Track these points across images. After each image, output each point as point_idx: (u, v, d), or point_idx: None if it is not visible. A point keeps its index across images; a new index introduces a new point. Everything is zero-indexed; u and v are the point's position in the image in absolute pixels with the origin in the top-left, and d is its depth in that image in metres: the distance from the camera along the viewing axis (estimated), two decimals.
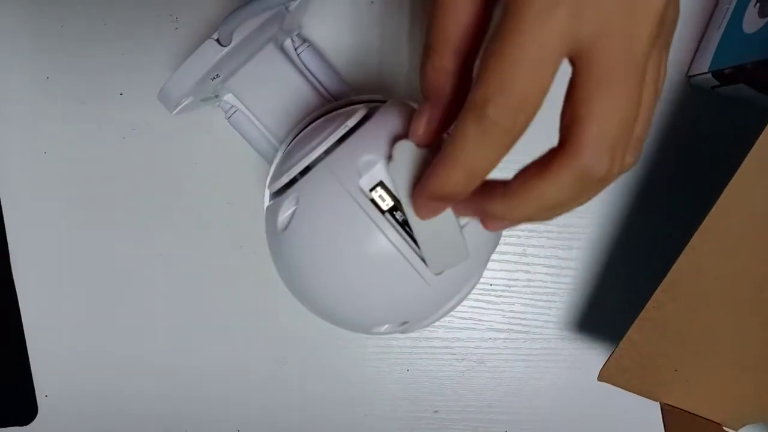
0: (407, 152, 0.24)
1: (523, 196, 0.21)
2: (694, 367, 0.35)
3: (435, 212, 0.23)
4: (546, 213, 0.21)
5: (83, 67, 0.39)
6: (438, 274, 0.25)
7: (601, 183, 0.20)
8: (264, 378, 0.42)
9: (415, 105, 0.28)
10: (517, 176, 0.21)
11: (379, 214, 0.24)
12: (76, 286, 0.41)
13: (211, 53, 0.30)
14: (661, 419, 0.35)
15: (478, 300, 0.41)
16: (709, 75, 0.36)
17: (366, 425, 0.43)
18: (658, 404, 0.36)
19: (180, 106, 0.33)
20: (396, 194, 0.24)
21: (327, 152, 0.26)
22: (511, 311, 0.41)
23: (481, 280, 0.40)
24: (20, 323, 0.41)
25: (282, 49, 0.36)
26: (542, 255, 0.40)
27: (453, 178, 0.21)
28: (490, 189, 0.22)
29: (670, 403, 0.36)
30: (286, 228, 0.26)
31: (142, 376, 0.42)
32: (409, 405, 0.42)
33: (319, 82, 0.36)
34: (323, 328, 0.41)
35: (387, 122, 0.25)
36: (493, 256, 0.40)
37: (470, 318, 0.41)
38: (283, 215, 0.26)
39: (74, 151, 0.40)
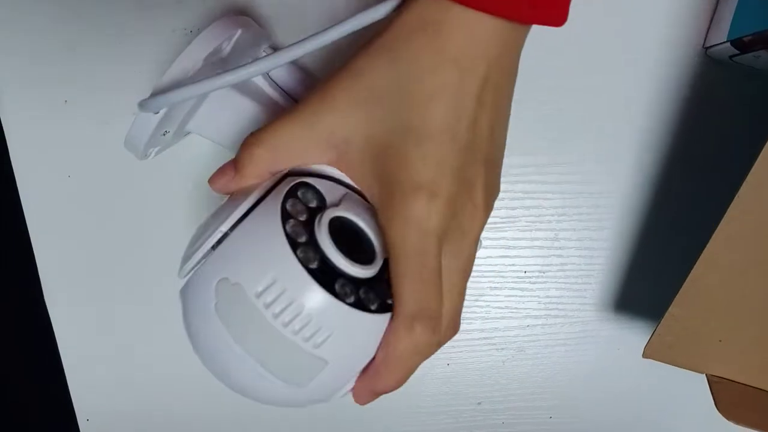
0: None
1: (390, 366, 0.26)
2: (738, 337, 0.35)
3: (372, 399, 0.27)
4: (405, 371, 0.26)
5: (100, 87, 0.39)
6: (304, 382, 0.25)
7: (430, 346, 0.26)
8: None
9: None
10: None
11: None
12: (110, 307, 0.41)
13: (146, 125, 0.30)
14: (709, 391, 0.35)
15: (513, 288, 0.41)
16: (728, 44, 0.36)
17: (409, 422, 0.43)
18: (703, 377, 0.36)
19: (152, 155, 0.34)
20: None
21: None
22: (547, 297, 0.41)
23: (515, 267, 0.41)
24: (56, 348, 0.41)
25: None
26: (574, 238, 0.40)
27: (394, 381, 0.26)
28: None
29: (717, 374, 0.36)
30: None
31: (182, 394, 0.42)
32: (452, 399, 0.42)
33: (292, 98, 0.36)
34: None
35: (248, 241, 0.25)
36: (526, 243, 0.40)
37: (507, 307, 0.41)
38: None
39: (98, 172, 0.40)
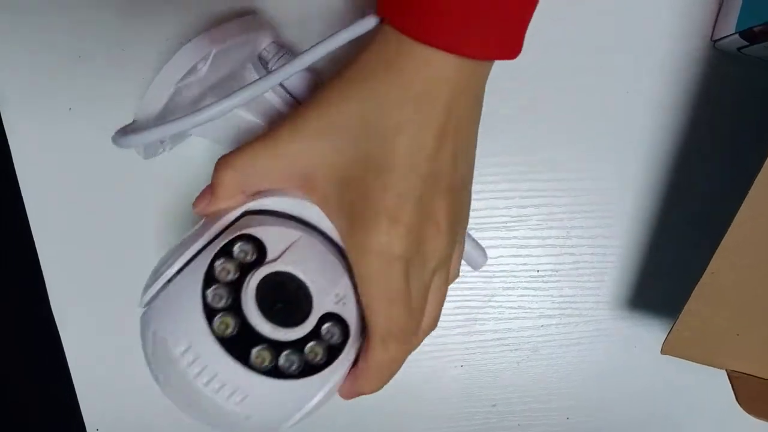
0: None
1: (370, 376, 0.27)
2: (756, 331, 0.35)
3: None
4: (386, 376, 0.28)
5: (104, 95, 0.38)
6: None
7: (406, 355, 0.28)
8: None
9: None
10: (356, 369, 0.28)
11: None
12: (117, 315, 0.40)
13: (137, 143, 0.30)
14: (730, 386, 0.35)
15: (526, 288, 0.40)
16: (737, 36, 0.35)
17: (422, 425, 0.42)
18: (718, 373, 0.36)
19: (164, 152, 0.35)
20: None
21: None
22: (561, 296, 0.40)
23: (528, 266, 0.40)
24: (65, 360, 0.41)
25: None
26: (586, 236, 0.40)
27: (374, 387, 0.28)
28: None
29: (737, 369, 0.35)
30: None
31: None
32: (466, 401, 0.42)
33: (295, 98, 0.35)
34: None
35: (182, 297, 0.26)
36: (537, 242, 0.40)
37: (520, 307, 0.41)
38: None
39: (101, 177, 0.39)
